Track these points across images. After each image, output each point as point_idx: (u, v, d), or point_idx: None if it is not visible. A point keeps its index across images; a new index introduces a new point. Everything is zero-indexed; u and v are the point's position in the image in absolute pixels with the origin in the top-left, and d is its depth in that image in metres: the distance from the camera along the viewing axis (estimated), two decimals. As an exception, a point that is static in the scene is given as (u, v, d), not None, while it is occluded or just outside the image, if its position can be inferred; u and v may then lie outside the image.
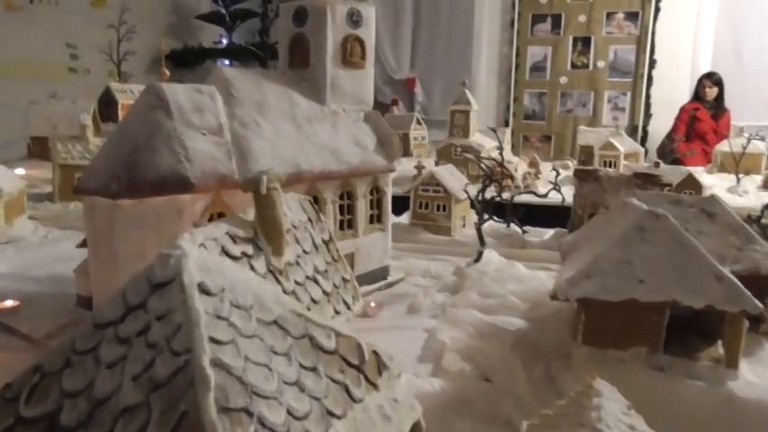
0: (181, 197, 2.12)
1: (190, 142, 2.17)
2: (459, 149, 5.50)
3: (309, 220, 1.81)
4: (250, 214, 1.56)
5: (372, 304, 2.61)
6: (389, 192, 2.99)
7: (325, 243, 1.82)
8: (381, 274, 3.00)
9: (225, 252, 1.40)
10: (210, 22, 12.50)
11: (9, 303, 2.47)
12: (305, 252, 1.66)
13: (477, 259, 3.04)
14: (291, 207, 1.79)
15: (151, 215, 2.11)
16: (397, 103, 11.52)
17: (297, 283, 1.63)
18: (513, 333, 2.27)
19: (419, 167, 5.91)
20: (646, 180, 3.69)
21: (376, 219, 2.93)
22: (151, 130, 2.15)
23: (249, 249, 1.51)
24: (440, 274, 3.15)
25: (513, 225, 4.00)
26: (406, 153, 8.24)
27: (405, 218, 4.37)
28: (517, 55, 11.24)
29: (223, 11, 12.21)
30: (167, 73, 2.33)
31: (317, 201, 2.61)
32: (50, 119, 6.14)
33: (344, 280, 1.83)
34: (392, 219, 4.56)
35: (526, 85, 11.28)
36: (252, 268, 1.44)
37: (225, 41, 12.54)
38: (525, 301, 2.59)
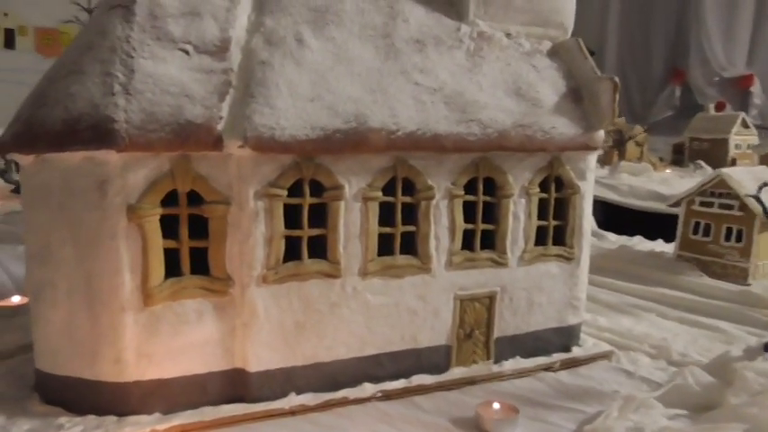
0: (101, 158, 1.15)
1: (144, 62, 1.20)
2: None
3: None
4: None
5: (496, 406, 1.28)
6: (588, 188, 1.59)
7: None
8: (560, 340, 1.61)
9: None
10: None
11: (16, 300, 1.83)
12: None
13: (772, 344, 1.44)
14: None
15: (58, 188, 1.19)
16: (723, 107, 9.09)
17: None
18: None
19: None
20: None
21: (553, 237, 1.57)
22: (89, 42, 1.24)
23: None
24: (687, 358, 1.62)
25: None
26: (721, 163, 6.11)
27: (669, 248, 2.75)
28: None
29: None
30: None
31: (410, 190, 1.39)
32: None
33: None
34: (627, 241, 2.95)
35: None
36: None
37: None
38: None
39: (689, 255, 2.52)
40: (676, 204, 2.60)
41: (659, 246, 2.95)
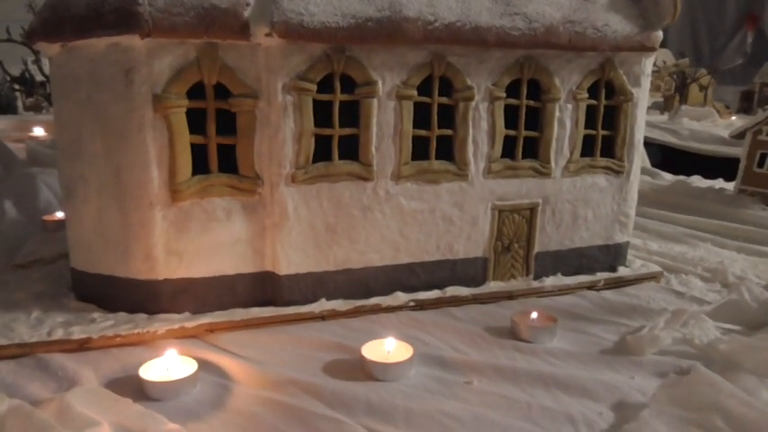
0: (126, 44, 1.12)
1: (168, -55, 1.14)
2: None
3: None
4: None
5: (533, 315, 1.22)
6: (643, 96, 1.48)
7: None
8: (606, 259, 1.53)
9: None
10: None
11: (59, 215, 1.86)
12: None
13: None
14: None
15: (86, 78, 1.17)
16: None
17: None
18: None
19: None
20: None
21: (601, 148, 1.47)
22: (114, -74, 1.19)
23: None
24: (745, 277, 1.51)
25: None
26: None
27: (729, 186, 2.59)
28: None
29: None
30: None
31: (448, 89, 1.31)
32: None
33: None
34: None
35: None
36: None
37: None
38: None
39: (752, 189, 2.36)
40: (740, 136, 2.43)
41: (719, 184, 2.79)
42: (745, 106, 6.42)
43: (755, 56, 8.51)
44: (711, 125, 4.64)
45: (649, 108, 4.78)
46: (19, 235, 1.85)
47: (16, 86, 3.30)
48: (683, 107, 4.97)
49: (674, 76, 5.65)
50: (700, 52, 8.87)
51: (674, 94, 5.63)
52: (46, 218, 1.89)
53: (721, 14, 9.05)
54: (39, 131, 3.36)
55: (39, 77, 3.40)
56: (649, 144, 3.69)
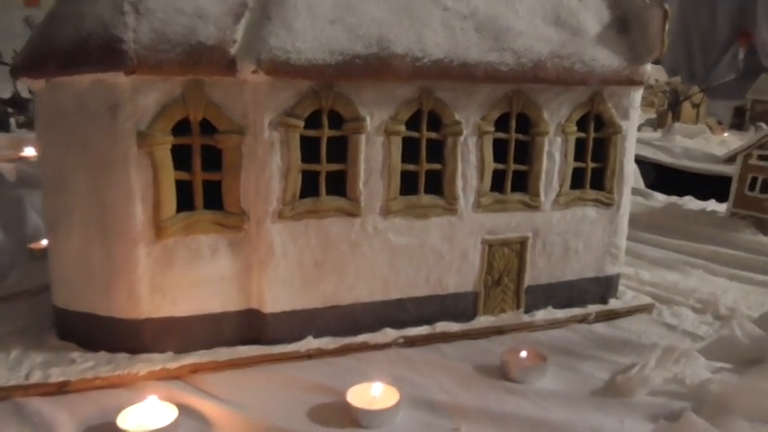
0: (111, 81, 1.10)
1: (154, -19, 1.13)
2: None
3: None
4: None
5: (522, 353, 1.21)
6: (632, 128, 1.47)
7: None
8: (597, 291, 1.52)
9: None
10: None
11: (45, 243, 1.83)
12: None
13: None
14: None
15: (71, 111, 1.15)
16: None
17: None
18: None
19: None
20: None
21: (591, 181, 1.46)
22: (100, -39, 1.18)
23: None
24: (736, 309, 1.50)
25: None
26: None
27: (722, 208, 2.58)
28: None
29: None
30: None
31: (436, 125, 1.30)
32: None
33: None
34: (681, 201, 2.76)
35: None
36: None
37: None
38: None
39: (744, 212, 2.36)
40: (731, 159, 2.43)
41: (711, 205, 2.78)
42: (737, 122, 6.45)
43: (747, 71, 8.56)
44: (704, 142, 4.67)
45: (642, 125, 4.77)
46: (4, 263, 1.83)
47: (9, 109, 3.29)
48: (676, 124, 4.99)
49: (667, 94, 5.67)
50: (692, 69, 8.92)
51: (667, 110, 5.65)
52: (32, 246, 1.86)
53: (713, 30, 9.12)
54: (30, 151, 3.33)
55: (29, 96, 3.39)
56: (643, 162, 3.70)
